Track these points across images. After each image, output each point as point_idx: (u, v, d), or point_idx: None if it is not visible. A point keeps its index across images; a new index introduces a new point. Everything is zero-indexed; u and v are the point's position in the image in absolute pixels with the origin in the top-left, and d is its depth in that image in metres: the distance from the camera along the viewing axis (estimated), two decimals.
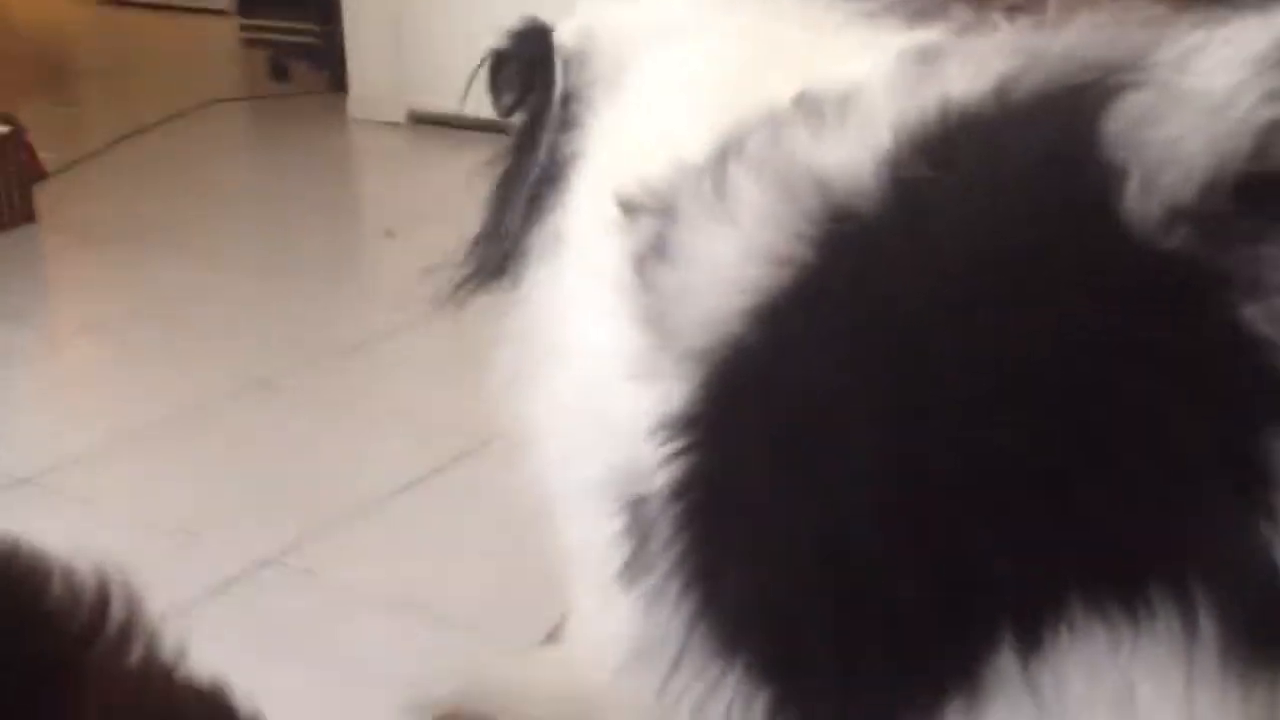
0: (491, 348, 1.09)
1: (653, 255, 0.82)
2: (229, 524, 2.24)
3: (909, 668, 0.68)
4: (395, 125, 4.79)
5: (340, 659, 1.92)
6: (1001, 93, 0.72)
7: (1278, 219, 0.61)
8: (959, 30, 0.86)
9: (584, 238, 0.93)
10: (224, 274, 3.40)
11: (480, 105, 4.52)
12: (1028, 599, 0.63)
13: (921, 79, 0.77)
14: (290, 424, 2.61)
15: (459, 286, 1.21)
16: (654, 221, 0.82)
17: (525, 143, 1.11)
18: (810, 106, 0.80)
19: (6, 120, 3.72)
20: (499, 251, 1.13)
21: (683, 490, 0.75)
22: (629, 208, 0.85)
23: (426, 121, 4.75)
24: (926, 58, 0.80)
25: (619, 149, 0.93)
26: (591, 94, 0.99)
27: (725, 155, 0.81)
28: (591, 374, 0.87)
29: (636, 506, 0.80)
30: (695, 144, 0.84)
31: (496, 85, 1.20)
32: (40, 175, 3.87)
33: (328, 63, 5.50)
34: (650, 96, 0.94)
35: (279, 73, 5.66)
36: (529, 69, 1.13)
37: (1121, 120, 0.65)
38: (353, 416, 2.64)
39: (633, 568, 0.80)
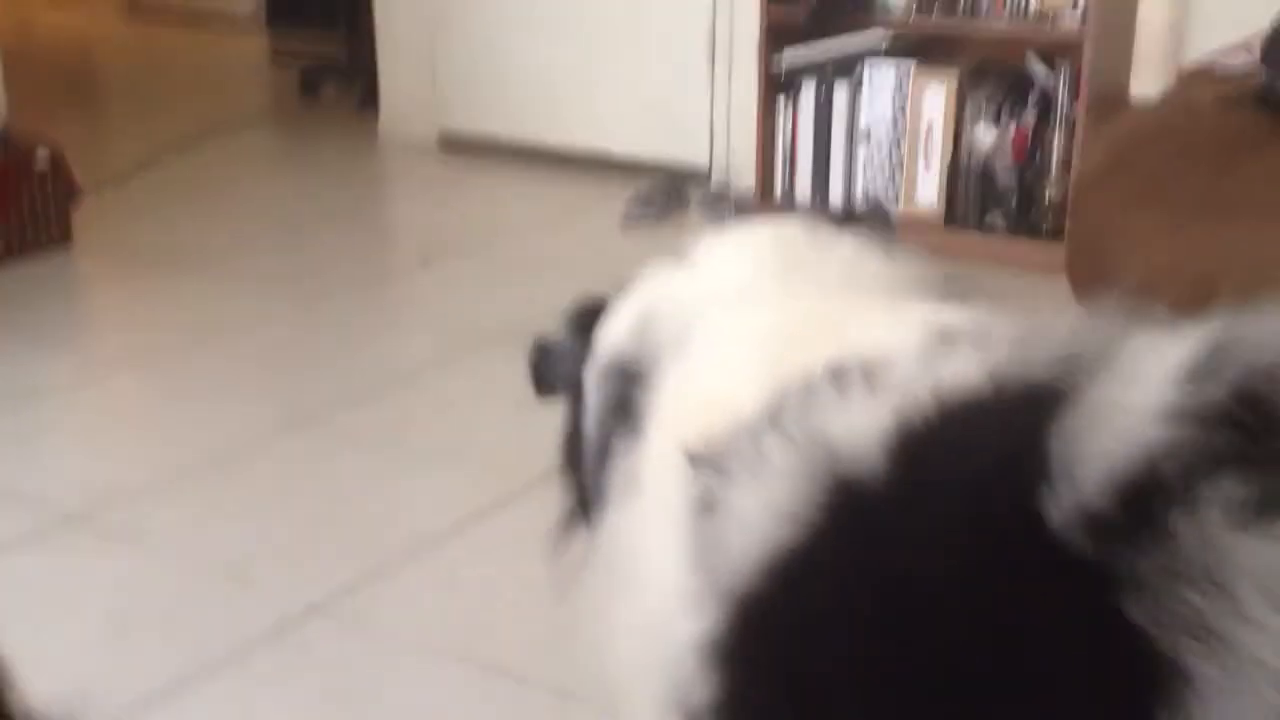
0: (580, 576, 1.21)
1: (704, 505, 0.93)
2: (278, 566, 2.24)
3: None
4: (426, 147, 4.81)
5: (389, 707, 1.93)
6: (984, 387, 0.82)
7: (1157, 525, 0.70)
8: (984, 317, 0.96)
9: (655, 483, 1.03)
10: (263, 302, 3.40)
11: (510, 126, 4.53)
12: None
13: (935, 360, 0.86)
14: (338, 461, 2.61)
15: (559, 534, 1.30)
16: (709, 474, 0.93)
17: (579, 403, 1.20)
18: (838, 375, 0.90)
19: (48, 144, 3.73)
20: (580, 497, 1.24)
21: (717, 709, 0.89)
22: (693, 460, 0.96)
23: (458, 144, 4.77)
24: (948, 340, 0.90)
25: (686, 404, 1.02)
26: (660, 353, 1.08)
27: (768, 417, 0.92)
28: (657, 604, 0.98)
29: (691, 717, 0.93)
30: (750, 404, 0.94)
31: (538, 370, 1.32)
32: (76, 194, 3.88)
33: (357, 81, 5.52)
34: (712, 358, 1.04)
35: (309, 90, 5.68)
36: (579, 343, 1.23)
37: (1063, 427, 0.75)
38: (401, 453, 2.63)
39: None
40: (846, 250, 1.12)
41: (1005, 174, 3.64)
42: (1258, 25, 3.24)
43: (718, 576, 0.89)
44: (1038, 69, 3.58)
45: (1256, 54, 2.18)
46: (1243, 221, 1.63)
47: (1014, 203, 3.65)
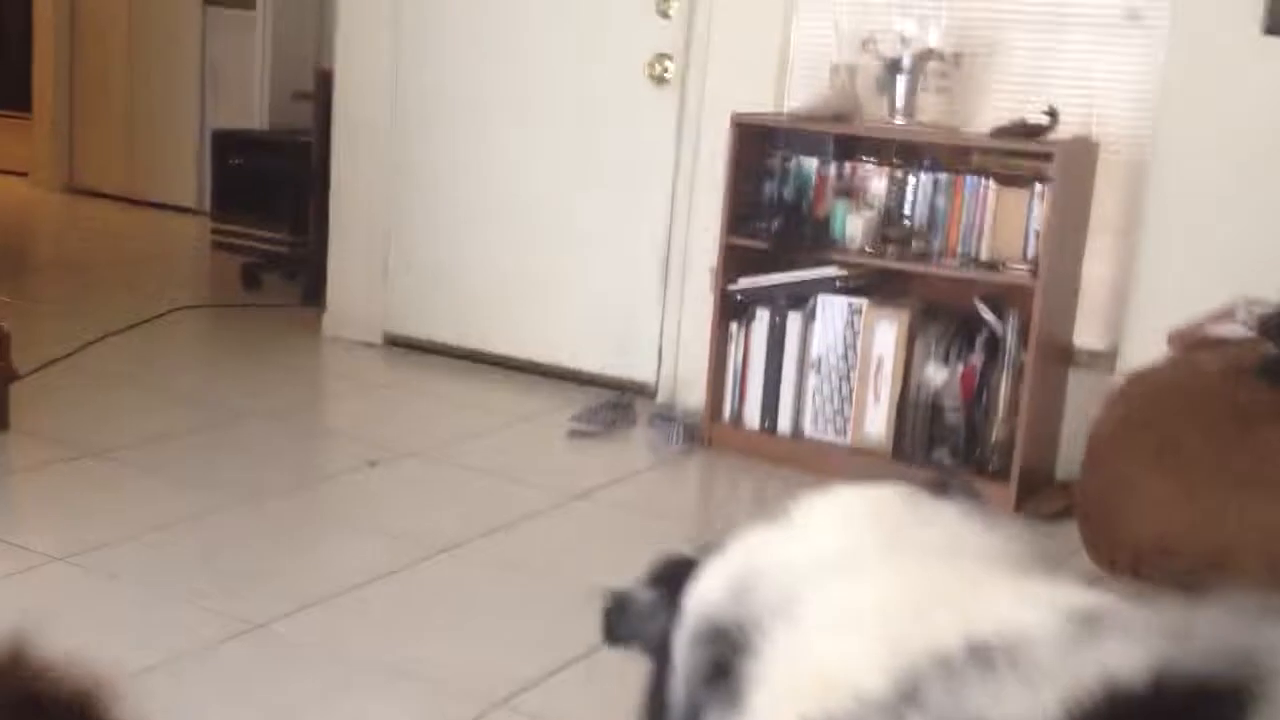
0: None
1: None
2: None
3: None
4: (372, 345, 4.80)
5: None
6: (1158, 681, 0.80)
7: None
8: (1114, 598, 0.95)
9: None
10: (203, 498, 3.32)
11: (458, 331, 4.56)
12: None
13: (1084, 645, 0.85)
14: (285, 675, 2.51)
15: None
16: None
17: (663, 664, 1.16)
18: (981, 658, 0.88)
19: None
20: None
21: None
22: None
23: (404, 344, 4.77)
24: (1089, 623, 0.88)
25: (799, 678, 0.99)
26: (763, 618, 1.04)
27: (903, 700, 0.89)
28: None
29: None
30: (870, 679, 0.92)
31: (614, 621, 1.28)
32: (13, 377, 3.79)
33: (300, 275, 5.53)
34: (823, 629, 1.01)
35: (250, 281, 5.67)
36: (663, 599, 1.20)
37: None
38: (348, 669, 2.54)
39: None
40: (948, 519, 1.10)
41: (953, 412, 3.71)
42: (1197, 286, 3.39)
43: None
44: (987, 314, 3.69)
45: (1242, 321, 2.26)
46: (1258, 493, 1.66)
47: (961, 440, 3.72)
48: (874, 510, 1.12)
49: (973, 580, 1.00)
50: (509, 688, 2.50)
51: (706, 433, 3.97)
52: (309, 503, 3.42)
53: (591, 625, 2.79)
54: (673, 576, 1.17)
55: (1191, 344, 2.09)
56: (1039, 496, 3.62)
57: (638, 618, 1.20)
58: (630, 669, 2.74)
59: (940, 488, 1.18)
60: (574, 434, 4.02)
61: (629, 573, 3.50)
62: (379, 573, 2.96)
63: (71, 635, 2.61)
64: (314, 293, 5.18)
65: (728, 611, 1.06)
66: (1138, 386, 1.86)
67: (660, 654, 1.14)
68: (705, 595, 1.10)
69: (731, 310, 3.97)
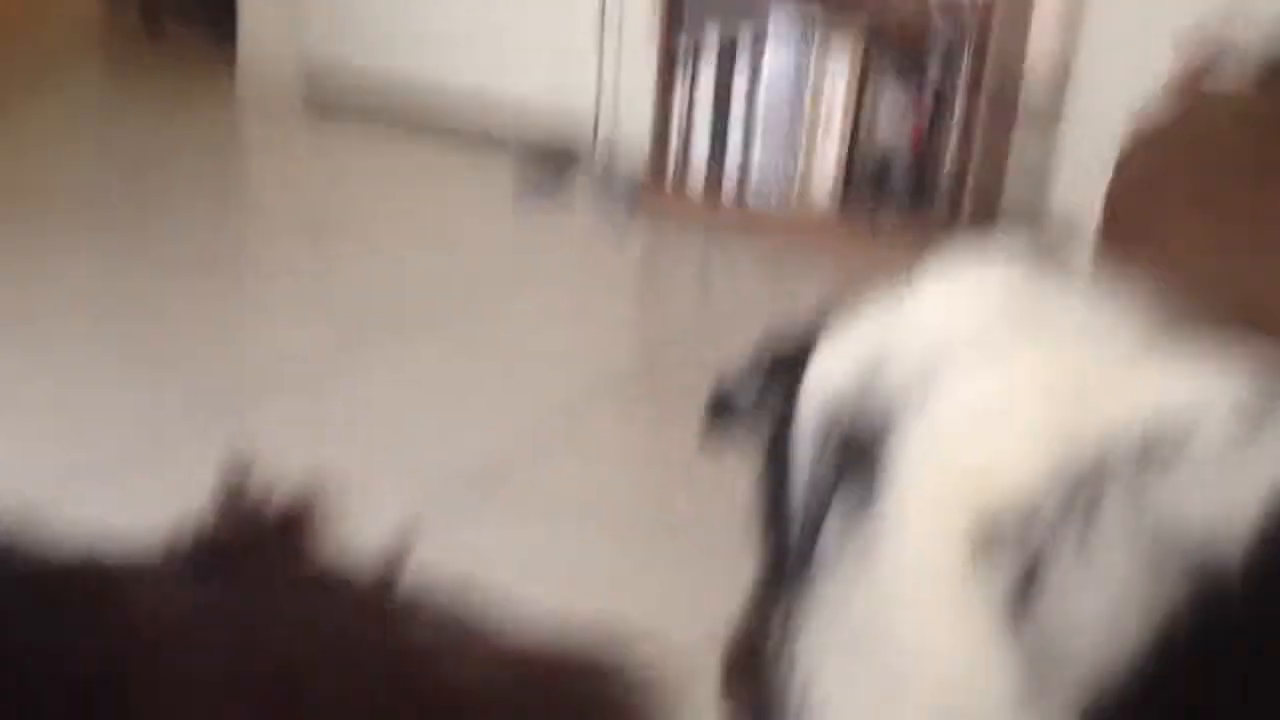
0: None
1: (1023, 597, 0.85)
2: None
3: None
4: (290, 89, 4.46)
5: None
6: None
7: None
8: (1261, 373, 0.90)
9: (913, 557, 0.92)
10: (124, 278, 3.15)
11: (383, 61, 4.28)
12: None
13: (1263, 434, 0.82)
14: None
15: (757, 597, 1.16)
16: (1018, 564, 0.85)
17: (781, 456, 1.08)
18: (1151, 451, 0.84)
19: None
20: (778, 560, 1.11)
21: None
22: (983, 540, 0.87)
23: (326, 87, 4.43)
24: (1254, 411, 0.84)
25: (947, 470, 0.92)
26: (897, 407, 0.96)
27: (1078, 498, 0.84)
28: (952, 701, 0.88)
29: None
30: (1028, 474, 0.87)
31: (720, 417, 1.20)
32: None
33: (206, 15, 5.12)
34: (969, 420, 0.94)
35: (153, 30, 5.28)
36: (775, 389, 1.12)
37: None
38: (343, 455, 2.46)
39: None
40: (1073, 295, 1.04)
41: (900, 165, 3.66)
42: (1149, 27, 3.31)
43: (1060, 674, 0.81)
44: (936, 59, 3.59)
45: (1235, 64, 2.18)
46: None
47: (908, 194, 3.67)
48: (997, 290, 1.04)
49: (1125, 364, 0.94)
50: (485, 468, 2.47)
51: (648, 199, 3.86)
52: (244, 281, 3.28)
53: (568, 392, 2.76)
54: (779, 365, 1.10)
55: (1190, 96, 2.02)
56: None
57: (746, 413, 1.13)
58: (622, 427, 2.72)
59: (1037, 259, 1.12)
60: (514, 203, 3.88)
61: (593, 349, 3.48)
62: (333, 350, 2.87)
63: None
64: (224, 36, 4.79)
65: (853, 400, 0.99)
66: (1152, 142, 1.80)
67: (776, 449, 1.07)
68: (826, 382, 1.03)
69: (676, 60, 3.80)
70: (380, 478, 2.41)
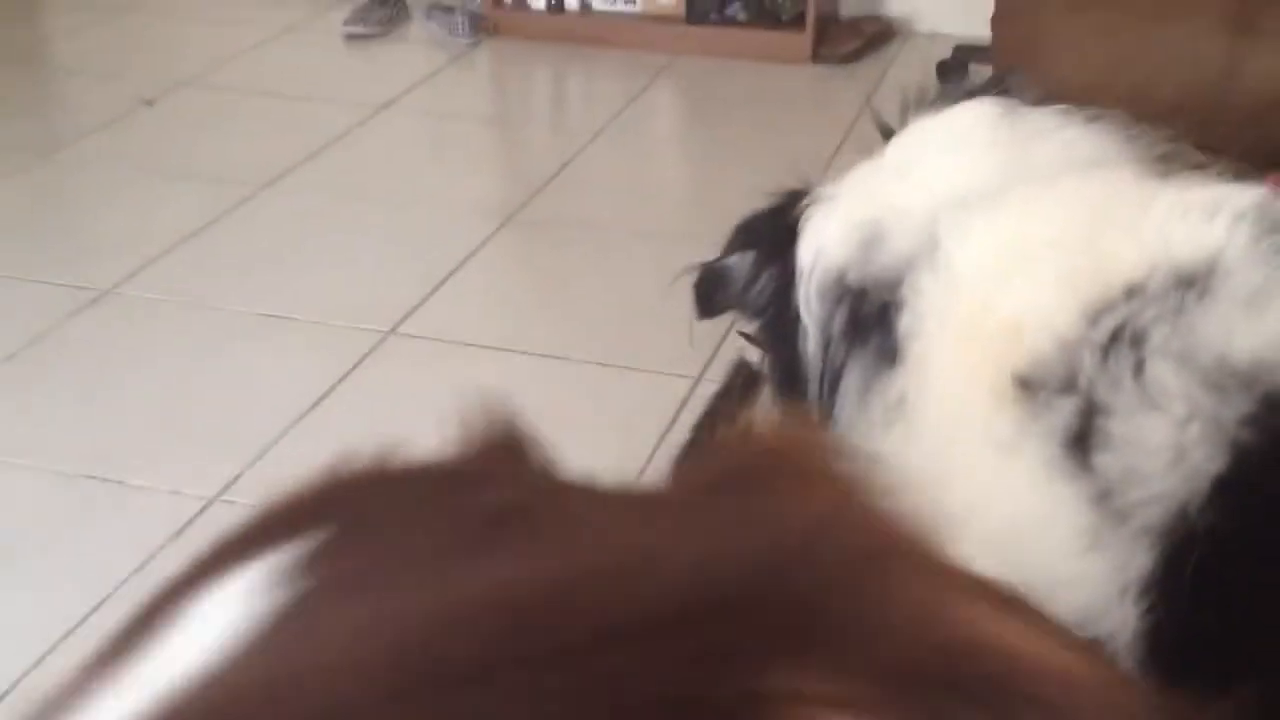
0: None
1: (1083, 435, 0.85)
2: None
3: None
4: None
5: None
6: None
7: None
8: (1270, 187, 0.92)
9: (954, 410, 0.93)
10: None
11: None
12: None
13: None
14: (158, 339, 2.40)
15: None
16: (1069, 404, 0.86)
17: (785, 327, 1.07)
18: (1185, 281, 0.85)
19: None
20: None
21: (1148, 641, 0.84)
22: (1028, 385, 0.88)
23: None
24: (1266, 227, 0.86)
25: (976, 327, 0.92)
26: (906, 267, 0.97)
27: (1124, 331, 0.85)
28: (1018, 539, 0.89)
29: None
30: (1064, 316, 0.87)
31: (709, 293, 1.16)
32: None
33: None
34: (987, 275, 0.94)
35: None
36: (766, 261, 1.10)
37: None
38: (228, 321, 2.43)
39: None
40: (1054, 127, 1.03)
41: None
42: None
43: (1129, 514, 0.84)
44: None
45: None
46: (1174, 24, 1.70)
47: None
48: (977, 133, 1.04)
49: (1129, 196, 0.94)
50: (394, 314, 2.47)
51: (491, 19, 3.80)
52: (97, 154, 3.15)
53: (455, 238, 2.75)
54: (767, 235, 1.10)
55: None
56: (831, 40, 3.67)
57: (738, 285, 1.12)
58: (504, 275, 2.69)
59: (1001, 87, 1.13)
60: (350, 38, 3.78)
61: (466, 181, 3.42)
62: (208, 218, 2.80)
63: None
64: None
65: (859, 266, 0.99)
66: None
67: (779, 317, 1.08)
68: (827, 251, 1.02)
69: None
70: (283, 332, 2.41)
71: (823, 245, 1.04)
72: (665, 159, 3.30)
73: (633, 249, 2.74)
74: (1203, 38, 1.68)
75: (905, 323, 0.95)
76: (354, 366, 2.32)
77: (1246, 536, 0.81)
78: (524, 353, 2.38)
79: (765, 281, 1.09)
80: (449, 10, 3.81)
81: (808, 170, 1.14)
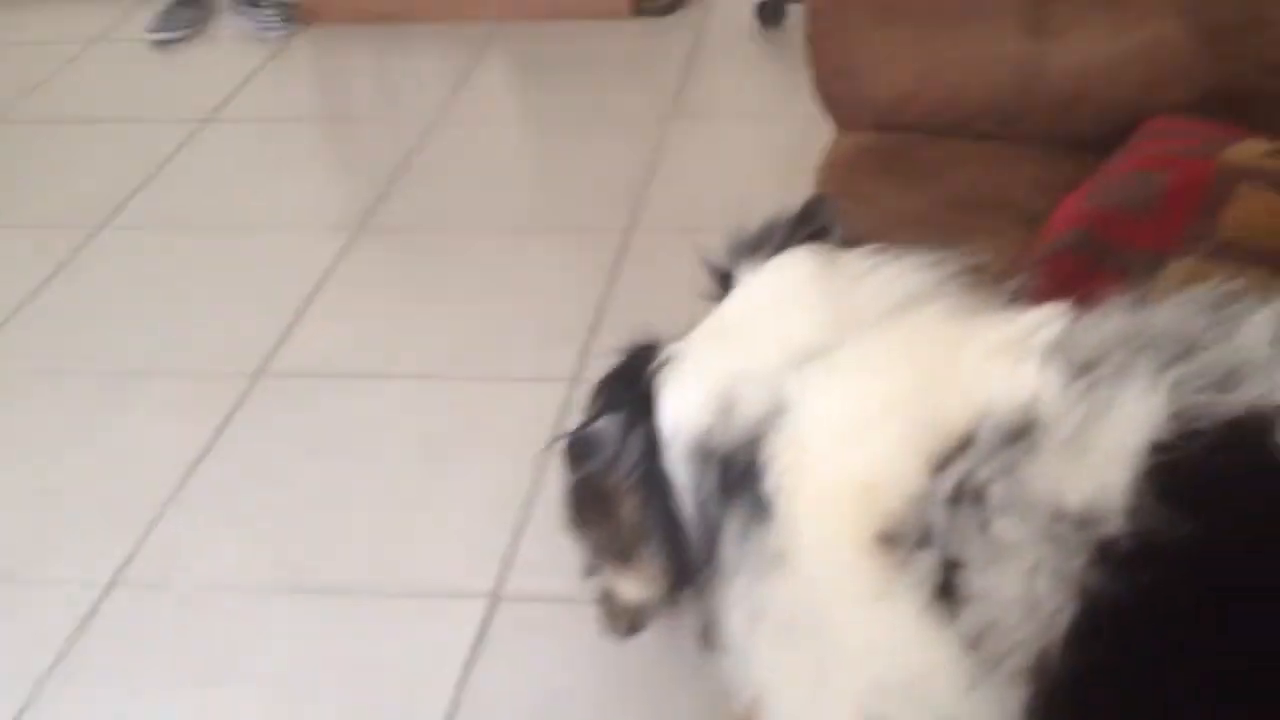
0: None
1: (947, 591, 0.89)
2: None
3: None
4: None
5: None
6: (1187, 430, 0.84)
7: None
8: (1076, 317, 0.96)
9: (825, 564, 0.96)
10: None
11: None
12: None
13: (1103, 404, 0.87)
14: (22, 399, 2.34)
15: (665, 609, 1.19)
16: (928, 557, 0.90)
17: (657, 487, 1.09)
18: (1012, 434, 0.89)
19: None
20: (679, 577, 1.13)
21: None
22: (889, 540, 0.91)
23: None
24: (1087, 369, 0.89)
25: (831, 489, 0.96)
26: (761, 431, 1.00)
27: (962, 493, 0.89)
28: (897, 689, 0.94)
29: None
30: (911, 473, 0.91)
31: (582, 460, 1.17)
32: None
33: None
34: (836, 429, 0.98)
35: None
36: (627, 426, 1.12)
37: None
38: (98, 379, 2.38)
39: None
40: (868, 270, 1.07)
41: None
42: None
43: (998, 657, 0.88)
44: None
45: None
46: (978, 30, 1.75)
47: None
48: (803, 289, 1.08)
49: (947, 340, 0.99)
50: (258, 354, 2.43)
51: (301, 7, 3.69)
52: None
53: (306, 258, 2.71)
54: (627, 398, 1.12)
55: None
56: None
57: (609, 450, 1.13)
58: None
59: (811, 221, 1.15)
60: (157, 46, 3.65)
61: (306, 191, 3.34)
62: (45, 272, 2.71)
63: None
64: None
65: (719, 432, 1.02)
66: None
67: (651, 476, 1.09)
68: (687, 418, 1.05)
69: None
70: (148, 391, 2.37)
71: (681, 412, 1.06)
72: (506, 140, 3.26)
73: (488, 246, 2.73)
74: (1004, 42, 1.73)
75: (770, 484, 0.98)
76: (227, 418, 2.29)
77: (1101, 684, 0.85)
78: (400, 376, 2.38)
79: (634, 442, 1.10)
80: (255, 3, 3.69)
81: (652, 328, 1.15)
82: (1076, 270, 1.36)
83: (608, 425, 1.13)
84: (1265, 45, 1.65)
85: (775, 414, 0.99)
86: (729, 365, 1.05)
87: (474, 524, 2.04)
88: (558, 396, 2.27)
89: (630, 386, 1.11)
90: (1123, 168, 1.51)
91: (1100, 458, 0.85)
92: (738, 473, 1.01)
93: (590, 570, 1.63)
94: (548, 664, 1.81)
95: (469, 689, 1.78)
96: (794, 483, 0.97)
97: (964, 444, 0.90)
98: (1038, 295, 1.06)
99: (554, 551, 1.69)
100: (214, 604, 1.95)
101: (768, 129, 3.01)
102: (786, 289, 1.09)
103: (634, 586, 1.40)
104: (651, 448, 1.08)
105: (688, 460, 1.05)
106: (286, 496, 2.12)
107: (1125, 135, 1.62)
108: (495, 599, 1.90)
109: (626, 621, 1.75)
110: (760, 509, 0.99)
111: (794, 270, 1.10)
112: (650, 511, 1.11)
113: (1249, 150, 1.46)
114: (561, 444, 1.19)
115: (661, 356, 1.11)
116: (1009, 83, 1.71)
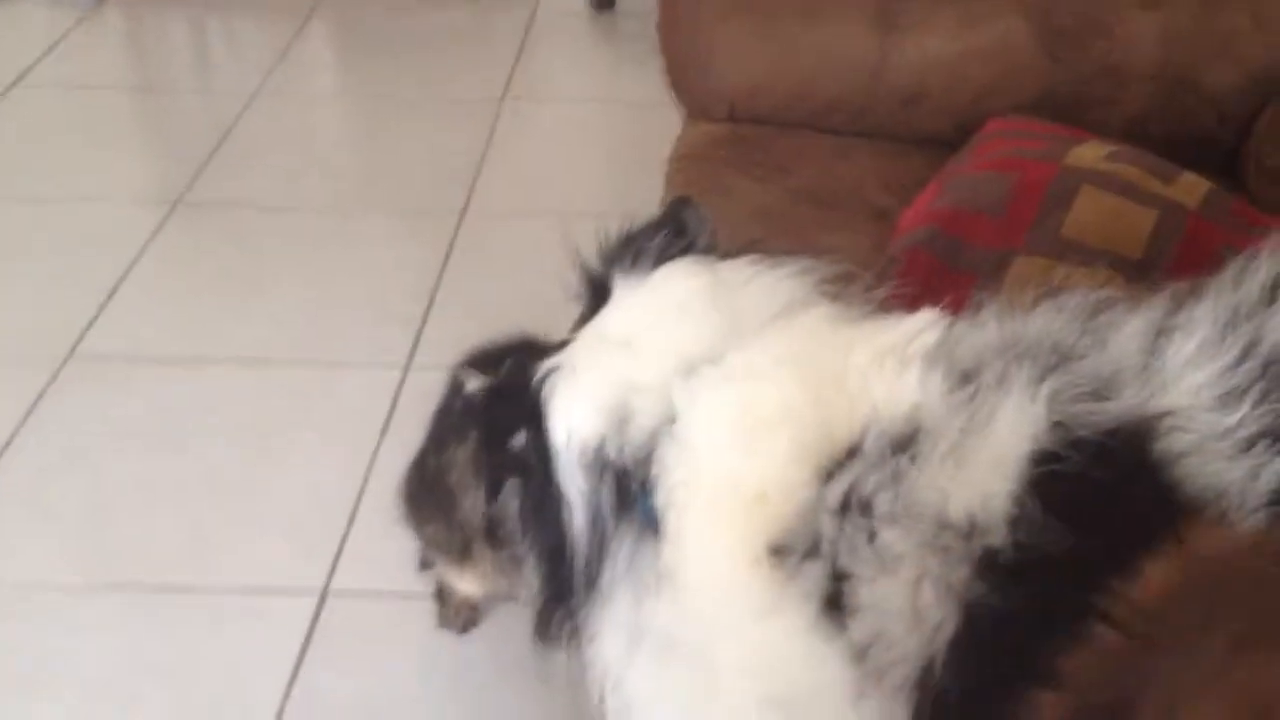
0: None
1: (835, 602, 0.89)
2: None
3: None
4: None
5: None
6: (1068, 440, 0.85)
7: None
8: (952, 323, 0.97)
9: (715, 577, 0.95)
10: None
11: None
12: None
13: (986, 416, 0.88)
14: None
15: (542, 624, 1.14)
16: (817, 568, 0.89)
17: (552, 498, 1.06)
18: (897, 444, 0.89)
19: None
20: (561, 590, 1.10)
21: None
22: (779, 552, 0.91)
23: None
24: (967, 379, 0.90)
25: (722, 497, 0.95)
26: (654, 443, 0.98)
27: (850, 502, 0.89)
28: (796, 702, 0.93)
29: None
30: (799, 483, 0.91)
31: (498, 476, 1.13)
32: None
33: None
34: (726, 440, 0.96)
35: None
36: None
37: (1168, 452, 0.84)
38: None
39: None
40: (748, 279, 1.07)
41: None
42: None
43: (882, 669, 0.87)
44: None
45: None
46: (826, 24, 1.76)
47: None
48: (688, 299, 1.07)
49: (831, 347, 0.99)
50: (68, 335, 2.30)
51: None
52: None
53: (120, 234, 2.57)
54: (515, 404, 1.09)
55: None
56: None
57: (448, 446, 1.13)
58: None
59: (678, 224, 1.14)
60: None
61: (119, 164, 3.19)
62: None
63: None
64: None
65: (612, 444, 1.01)
66: None
67: (536, 489, 1.07)
68: (580, 429, 1.03)
69: None
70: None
71: (574, 424, 1.04)
72: (330, 115, 3.16)
73: (314, 225, 2.64)
74: (852, 37, 1.74)
75: (661, 496, 0.97)
76: (35, 402, 2.16)
77: (984, 695, 0.85)
78: (221, 360, 2.27)
79: (526, 456, 1.07)
80: None
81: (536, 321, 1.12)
82: (930, 267, 1.38)
83: (457, 418, 1.12)
84: (1103, 50, 1.69)
85: (664, 425, 0.98)
86: (620, 375, 1.03)
87: (302, 516, 1.96)
88: (390, 382, 2.20)
89: (516, 391, 1.08)
90: (973, 168, 1.53)
91: (983, 468, 0.85)
92: (634, 484, 0.99)
93: (424, 564, 1.59)
94: (380, 661, 1.75)
95: (299, 689, 1.71)
96: (685, 497, 0.96)
97: (851, 452, 0.90)
98: (901, 294, 1.06)
99: (386, 545, 1.66)
100: (25, 604, 1.83)
101: (601, 112, 2.98)
102: (672, 299, 1.08)
103: (470, 582, 1.36)
104: (542, 458, 1.05)
105: (581, 472, 1.03)
106: (101, 489, 2.01)
107: (968, 134, 1.65)
108: (325, 595, 1.84)
109: (462, 617, 1.72)
110: (650, 525, 0.98)
111: (679, 281, 1.09)
112: (534, 524, 1.08)
113: (1090, 153, 1.49)
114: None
115: (548, 365, 1.07)
116: (856, 77, 1.73)
